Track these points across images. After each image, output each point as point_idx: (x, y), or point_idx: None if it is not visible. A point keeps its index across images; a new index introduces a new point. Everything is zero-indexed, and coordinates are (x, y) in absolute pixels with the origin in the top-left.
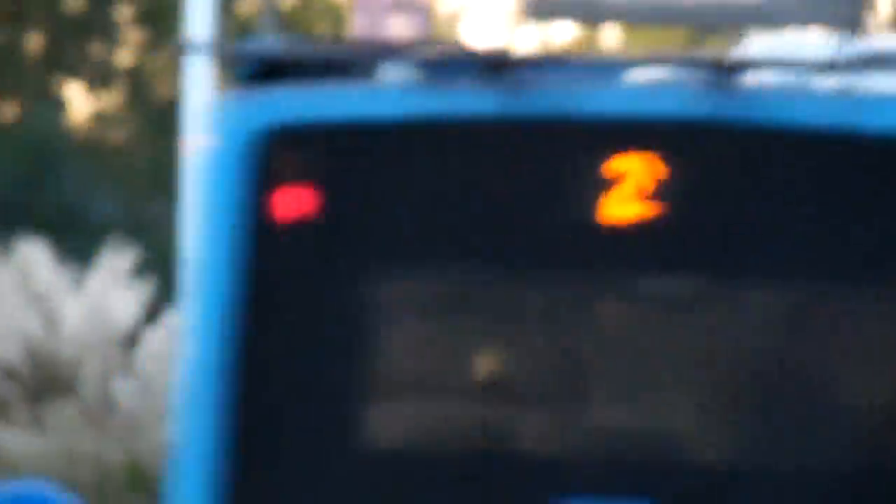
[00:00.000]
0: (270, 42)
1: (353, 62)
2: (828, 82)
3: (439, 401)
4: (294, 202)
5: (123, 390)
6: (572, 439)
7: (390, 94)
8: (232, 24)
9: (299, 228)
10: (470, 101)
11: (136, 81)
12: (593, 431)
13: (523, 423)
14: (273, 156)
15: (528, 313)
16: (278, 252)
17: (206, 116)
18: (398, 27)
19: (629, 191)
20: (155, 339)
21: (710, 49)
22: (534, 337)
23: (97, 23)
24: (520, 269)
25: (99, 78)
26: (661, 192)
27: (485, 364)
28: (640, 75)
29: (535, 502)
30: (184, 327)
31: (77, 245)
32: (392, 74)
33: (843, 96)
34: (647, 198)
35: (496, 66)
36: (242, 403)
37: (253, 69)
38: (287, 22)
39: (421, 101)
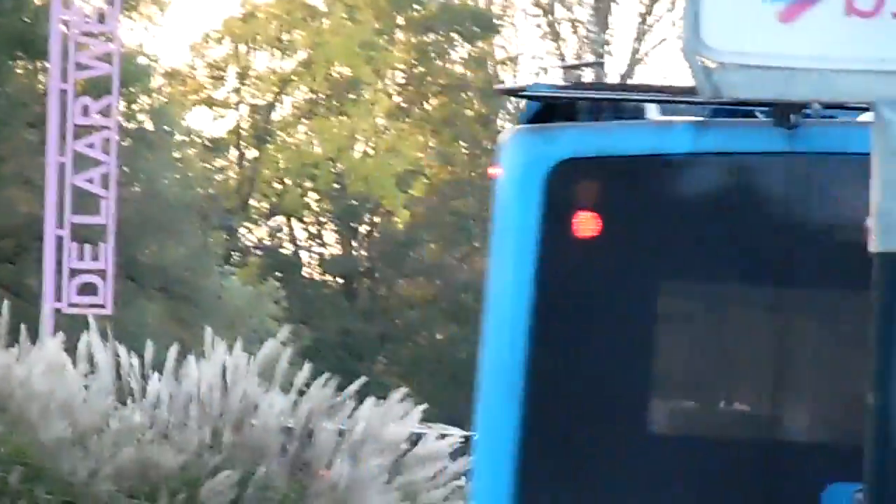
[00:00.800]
0: (550, 86)
1: (625, 103)
2: None
3: (714, 393)
4: (581, 224)
5: None
6: (841, 429)
7: (678, 131)
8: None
9: (585, 246)
10: (755, 138)
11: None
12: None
13: (793, 414)
14: (564, 184)
15: (795, 318)
16: (567, 266)
17: (502, 150)
18: None
19: None
20: None
21: None
22: (796, 338)
23: None
24: (787, 286)
25: None
26: None
27: (755, 360)
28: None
29: (808, 487)
30: (488, 333)
31: None
32: (656, 114)
33: None
34: None
35: (783, 110)
36: (539, 395)
37: (534, 109)
38: None
39: (708, 138)
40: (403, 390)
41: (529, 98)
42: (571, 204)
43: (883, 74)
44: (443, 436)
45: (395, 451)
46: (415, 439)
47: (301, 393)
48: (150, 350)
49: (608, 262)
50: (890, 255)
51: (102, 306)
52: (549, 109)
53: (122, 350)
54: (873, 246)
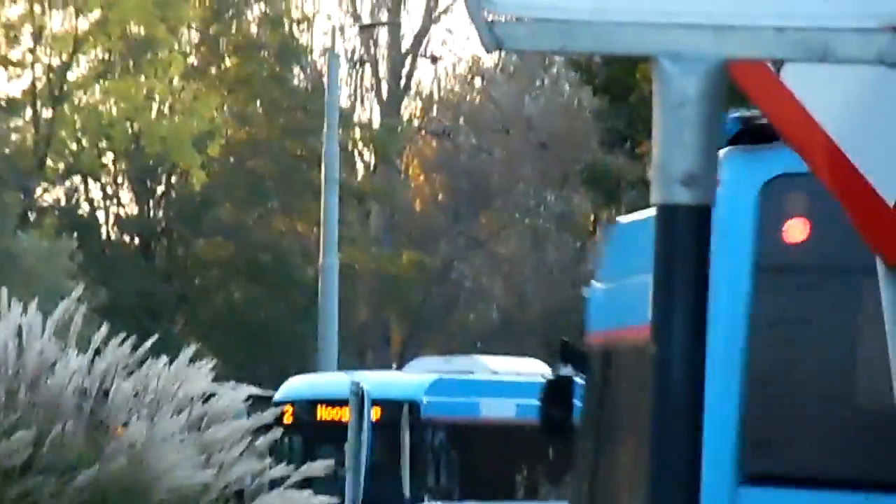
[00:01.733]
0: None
1: None
2: None
3: None
4: (792, 231)
5: None
6: None
7: None
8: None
9: (796, 251)
10: None
11: None
12: None
13: None
14: (777, 196)
15: None
16: (781, 268)
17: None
18: None
19: None
20: None
21: None
22: None
23: None
24: None
25: None
26: None
27: None
28: None
29: None
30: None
31: None
32: None
33: None
34: None
35: None
36: (757, 388)
37: (734, 130)
38: None
39: None
40: (195, 348)
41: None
42: (784, 214)
43: (663, 27)
44: (240, 394)
45: (190, 408)
46: (209, 398)
47: (98, 352)
48: None
49: (814, 263)
50: (668, 207)
51: None
52: (744, 131)
53: None
54: (654, 198)
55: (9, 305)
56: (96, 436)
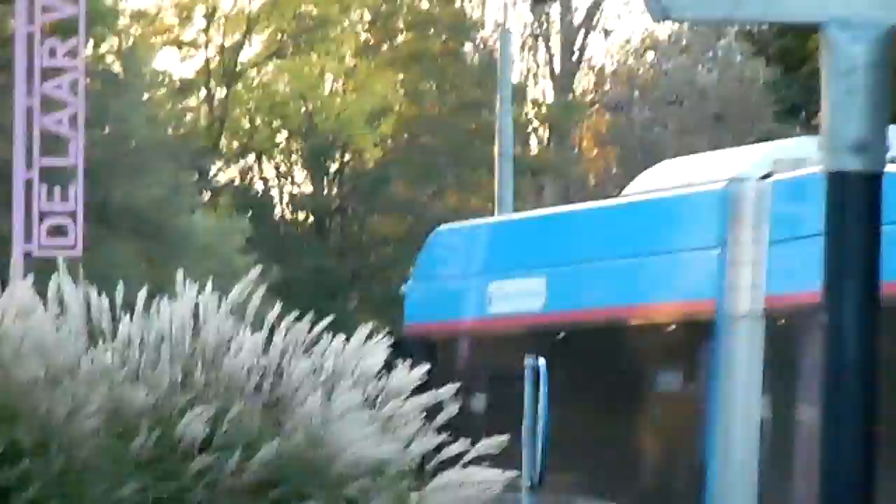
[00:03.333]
0: None
1: None
2: None
3: None
4: None
5: None
6: None
7: None
8: None
9: None
10: None
11: None
12: None
13: None
14: None
15: None
16: None
17: None
18: None
19: None
20: None
21: None
22: None
23: None
24: None
25: None
26: None
27: None
28: None
29: None
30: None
31: None
32: None
33: None
34: None
35: None
36: None
37: None
38: None
39: None
40: (371, 324)
41: None
42: None
43: None
44: (417, 372)
45: (368, 384)
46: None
47: (272, 331)
48: (120, 291)
49: None
50: (838, 174)
51: (73, 248)
52: None
53: (92, 292)
54: (826, 164)
55: (184, 285)
56: (274, 413)
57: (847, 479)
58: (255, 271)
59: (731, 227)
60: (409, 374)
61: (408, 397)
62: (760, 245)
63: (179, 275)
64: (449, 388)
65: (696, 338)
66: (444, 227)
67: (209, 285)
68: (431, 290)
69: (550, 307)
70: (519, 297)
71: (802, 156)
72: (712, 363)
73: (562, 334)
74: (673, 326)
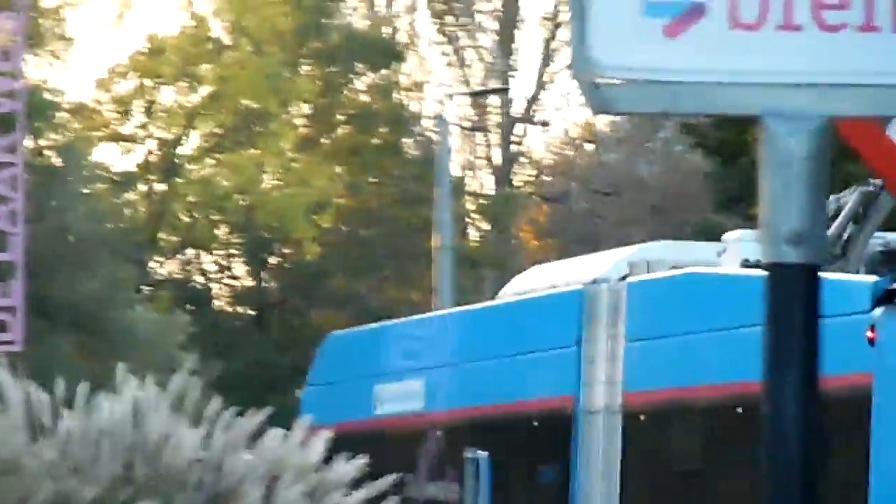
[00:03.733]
0: None
1: None
2: None
3: None
4: None
5: None
6: None
7: None
8: None
9: None
10: None
11: None
12: None
13: None
14: None
15: None
16: None
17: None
18: None
19: None
20: None
21: None
22: None
23: None
24: None
25: None
26: None
27: None
28: None
29: None
30: None
31: None
32: None
33: None
34: None
35: None
36: None
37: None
38: None
39: None
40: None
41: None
42: None
43: (769, 87)
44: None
45: (309, 477)
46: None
47: (212, 425)
48: (60, 386)
49: None
50: (776, 266)
51: (13, 343)
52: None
53: (32, 387)
54: (764, 256)
55: (125, 380)
56: None
57: None
58: (193, 363)
59: (586, 326)
60: (347, 467)
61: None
62: (616, 343)
63: (120, 370)
64: (387, 480)
65: (557, 432)
66: (334, 333)
67: (149, 380)
68: (324, 394)
69: (427, 407)
70: (399, 398)
71: (660, 258)
72: (573, 456)
73: (438, 433)
74: (536, 422)
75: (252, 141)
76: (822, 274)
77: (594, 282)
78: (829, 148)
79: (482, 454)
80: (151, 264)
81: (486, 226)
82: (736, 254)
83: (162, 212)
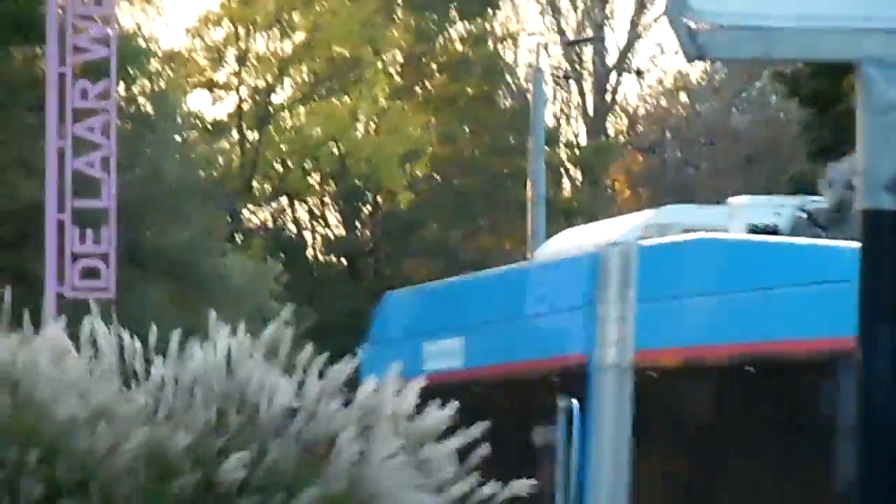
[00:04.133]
0: None
1: None
2: None
3: None
4: None
5: None
6: None
7: None
8: None
9: None
10: None
11: None
12: None
13: None
14: None
15: None
16: None
17: None
18: None
19: None
20: None
21: None
22: None
23: None
24: None
25: None
26: None
27: None
28: None
29: None
30: None
31: None
32: None
33: None
34: None
35: None
36: None
37: None
38: None
39: None
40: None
41: None
42: None
43: (866, 32)
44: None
45: (402, 427)
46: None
47: (305, 373)
48: (153, 333)
49: None
50: (873, 213)
51: (105, 290)
52: None
53: (125, 334)
54: (860, 203)
55: (217, 328)
56: (308, 457)
57: None
58: (285, 312)
59: (598, 288)
60: (439, 415)
61: (438, 439)
62: (626, 304)
63: (212, 318)
64: (478, 429)
65: (573, 389)
66: (393, 292)
67: (241, 328)
68: (380, 352)
69: (465, 365)
70: (443, 356)
71: (674, 222)
72: (586, 412)
73: (474, 389)
74: (556, 378)
75: (345, 89)
76: None
77: (606, 245)
78: None
79: (575, 402)
80: (244, 213)
81: (579, 176)
82: (742, 219)
83: (255, 160)
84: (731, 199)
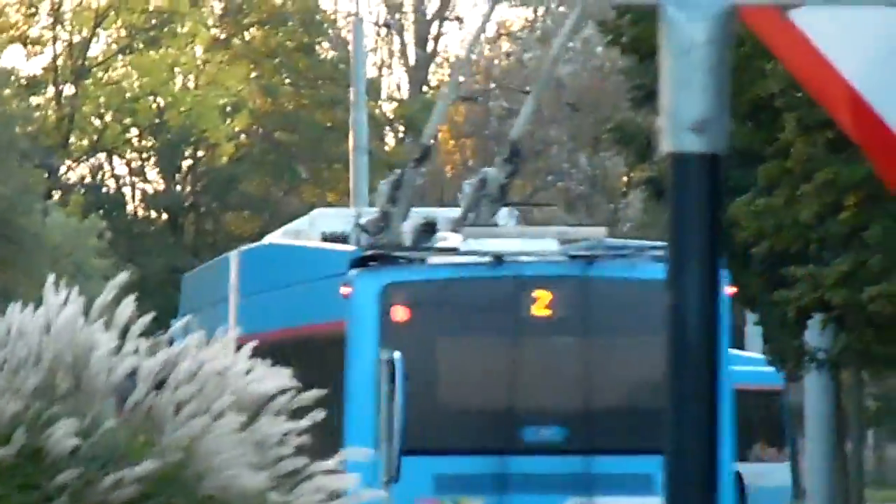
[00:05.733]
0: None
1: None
2: None
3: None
4: (397, 314)
5: None
6: None
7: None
8: None
9: (399, 324)
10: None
11: None
12: None
13: None
14: (388, 295)
15: None
16: (391, 332)
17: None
18: None
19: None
20: None
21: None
22: None
23: None
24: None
25: None
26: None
27: None
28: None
29: None
30: None
31: None
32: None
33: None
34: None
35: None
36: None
37: (358, 257)
38: None
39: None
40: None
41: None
42: (392, 303)
43: None
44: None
45: (232, 387)
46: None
47: (126, 331)
48: None
49: (412, 331)
50: (679, 155)
51: None
52: (364, 258)
53: None
54: (666, 146)
55: (42, 288)
56: (136, 422)
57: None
58: (106, 268)
59: (229, 282)
60: (273, 377)
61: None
62: (236, 296)
63: (49, 281)
64: (312, 394)
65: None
66: (186, 273)
67: (67, 289)
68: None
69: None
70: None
71: (311, 227)
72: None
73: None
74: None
75: (162, 42)
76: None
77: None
78: (732, 36)
79: (397, 355)
80: (62, 169)
81: (402, 129)
82: (318, 226)
83: (71, 115)
84: (313, 211)
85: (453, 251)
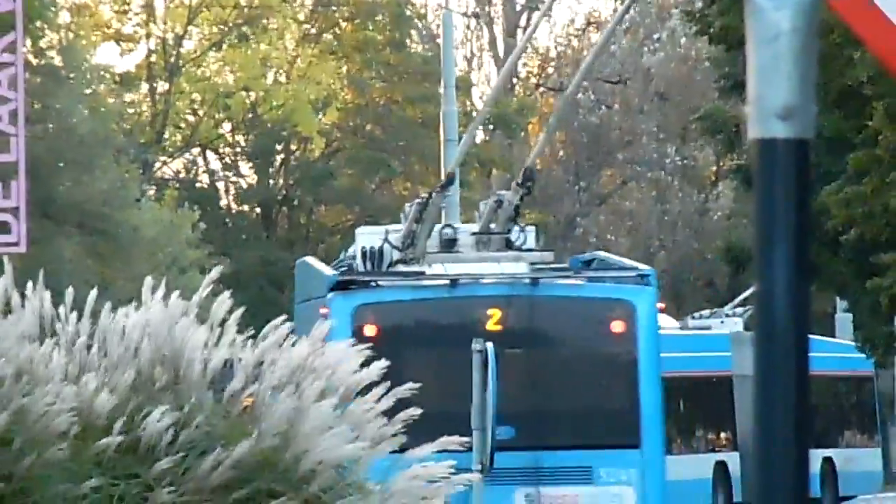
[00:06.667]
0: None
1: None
2: None
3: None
4: (367, 330)
5: None
6: None
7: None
8: None
9: (370, 340)
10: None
11: None
12: None
13: None
14: (361, 314)
15: None
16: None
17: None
18: None
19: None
20: None
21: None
22: None
23: None
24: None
25: None
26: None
27: None
28: None
29: None
30: None
31: None
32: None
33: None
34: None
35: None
36: None
37: (334, 282)
38: None
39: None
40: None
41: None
42: (364, 322)
43: None
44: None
45: (331, 378)
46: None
47: (223, 324)
48: (70, 289)
49: (381, 346)
50: (766, 141)
51: (16, 244)
52: (340, 282)
53: (42, 292)
54: (752, 132)
55: (140, 285)
56: (234, 410)
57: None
58: (216, 270)
59: None
60: (369, 369)
61: (364, 390)
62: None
63: (147, 282)
64: (409, 386)
65: None
66: (301, 259)
67: (159, 280)
68: (301, 311)
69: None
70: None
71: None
72: None
73: None
74: None
75: (254, 37)
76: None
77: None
78: (817, 23)
79: (490, 345)
80: (157, 164)
81: (491, 122)
82: (360, 242)
83: (165, 111)
84: (358, 229)
85: (420, 275)
